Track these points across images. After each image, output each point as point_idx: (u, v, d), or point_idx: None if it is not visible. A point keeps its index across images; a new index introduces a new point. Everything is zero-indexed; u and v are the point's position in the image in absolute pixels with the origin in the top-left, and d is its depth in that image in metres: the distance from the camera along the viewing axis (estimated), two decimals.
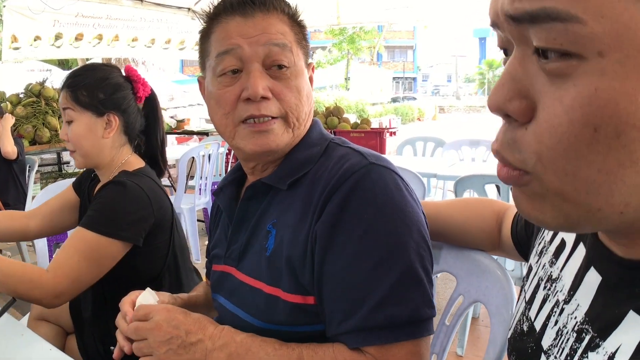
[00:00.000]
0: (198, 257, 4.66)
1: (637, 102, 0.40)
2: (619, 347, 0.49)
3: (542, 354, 0.64)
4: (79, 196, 1.81)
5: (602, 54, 0.40)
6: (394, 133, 7.47)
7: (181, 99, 12.90)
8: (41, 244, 2.26)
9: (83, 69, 1.64)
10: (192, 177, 5.46)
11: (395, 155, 5.20)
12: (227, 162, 6.26)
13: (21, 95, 6.14)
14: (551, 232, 0.77)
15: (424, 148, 5.23)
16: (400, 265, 0.86)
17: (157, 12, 7.88)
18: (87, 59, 8.09)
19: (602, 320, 0.53)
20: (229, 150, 6.16)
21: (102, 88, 1.59)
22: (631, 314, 0.49)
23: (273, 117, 0.98)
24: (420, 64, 56.69)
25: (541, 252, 0.77)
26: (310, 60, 1.10)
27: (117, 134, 1.63)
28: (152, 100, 1.75)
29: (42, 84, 6.25)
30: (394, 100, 36.81)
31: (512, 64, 0.47)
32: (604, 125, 0.41)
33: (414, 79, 56.52)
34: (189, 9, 8.58)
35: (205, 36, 1.04)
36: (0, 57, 6.06)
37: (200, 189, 4.74)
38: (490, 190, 2.78)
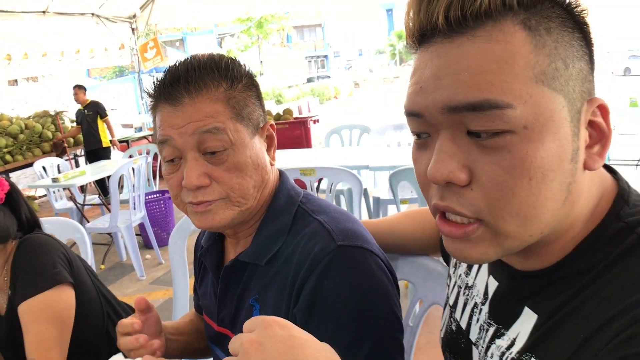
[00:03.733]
0: (142, 274, 4.62)
1: (551, 153, 0.56)
2: (517, 334, 0.68)
3: (473, 346, 0.80)
4: None
5: (527, 127, 0.55)
6: (317, 121, 7.60)
7: None
8: None
9: None
10: (121, 187, 5.37)
11: (324, 147, 5.32)
12: (154, 169, 6.18)
13: None
14: None
15: (350, 136, 5.39)
16: (371, 343, 0.91)
17: (61, 21, 7.60)
18: (11, 82, 7.73)
19: (504, 316, 0.72)
20: (155, 157, 6.09)
21: None
22: (526, 309, 0.67)
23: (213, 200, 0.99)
24: (330, 41, 56.99)
25: (456, 264, 0.96)
26: (264, 121, 1.07)
27: None
28: (12, 192, 1.59)
29: None
30: (309, 80, 36.94)
31: (445, 144, 0.60)
32: (535, 174, 0.56)
33: (326, 56, 56.72)
34: (92, 14, 8.33)
35: (153, 119, 1.05)
36: None
37: (134, 204, 4.67)
38: None
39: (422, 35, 0.62)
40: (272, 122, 1.08)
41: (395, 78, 40.70)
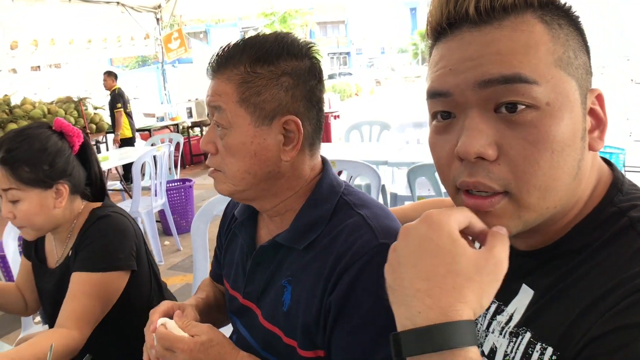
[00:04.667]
0: (161, 259, 4.71)
1: (568, 129, 0.63)
2: (515, 309, 0.74)
3: None
4: (30, 259, 1.75)
5: (549, 104, 0.62)
6: (338, 116, 7.65)
7: None
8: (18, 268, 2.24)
9: (15, 140, 1.49)
10: (142, 174, 5.46)
11: (344, 142, 5.35)
12: (175, 158, 6.27)
13: None
14: None
15: (370, 132, 5.42)
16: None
17: (87, 8, 7.68)
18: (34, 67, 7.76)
19: (504, 293, 0.75)
20: (176, 147, 6.17)
21: (44, 160, 1.48)
22: (524, 286, 0.74)
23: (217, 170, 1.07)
24: (353, 38, 56.74)
25: None
26: (285, 114, 1.02)
27: (67, 200, 1.56)
28: (85, 146, 1.63)
29: None
30: (331, 77, 36.92)
31: (474, 121, 0.65)
32: (556, 147, 0.62)
33: (348, 53, 56.53)
34: (117, 2, 8.40)
35: None
36: None
37: (155, 191, 4.76)
38: None
39: (449, 24, 0.68)
40: (297, 119, 1.03)
41: (417, 77, 40.49)
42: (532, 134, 0.62)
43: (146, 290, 1.68)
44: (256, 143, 1.02)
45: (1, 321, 3.54)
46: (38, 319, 2.91)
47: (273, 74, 1.01)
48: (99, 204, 1.66)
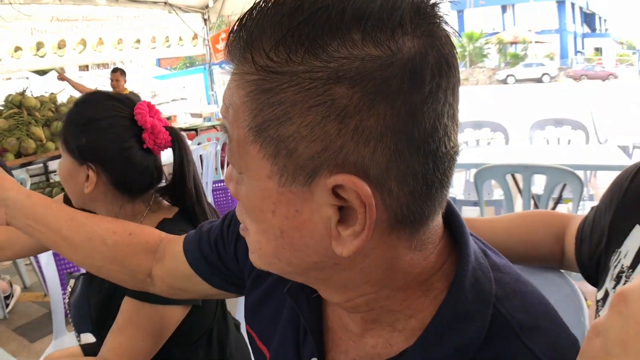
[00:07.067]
0: None
1: None
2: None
3: None
4: None
5: None
6: None
7: (164, 94, 12.78)
8: (51, 273, 2.11)
9: (90, 98, 1.33)
10: None
11: None
12: (221, 158, 6.17)
13: (0, 107, 5.90)
14: (632, 257, 0.73)
15: None
16: None
17: (133, 7, 7.75)
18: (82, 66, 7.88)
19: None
20: (223, 147, 6.08)
21: (87, 131, 1.26)
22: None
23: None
24: None
25: (618, 276, 0.75)
26: (331, 169, 0.48)
27: (106, 191, 1.30)
28: (179, 151, 1.36)
29: (22, 93, 5.99)
30: None
31: None
32: None
33: None
34: (165, 2, 8.44)
35: None
36: None
37: None
38: (510, 179, 2.73)
39: None
40: (361, 183, 0.47)
41: (465, 80, 39.89)
42: None
43: (208, 322, 1.42)
44: (282, 215, 0.52)
45: (34, 325, 3.46)
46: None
47: (314, 78, 0.46)
48: (173, 211, 1.37)
